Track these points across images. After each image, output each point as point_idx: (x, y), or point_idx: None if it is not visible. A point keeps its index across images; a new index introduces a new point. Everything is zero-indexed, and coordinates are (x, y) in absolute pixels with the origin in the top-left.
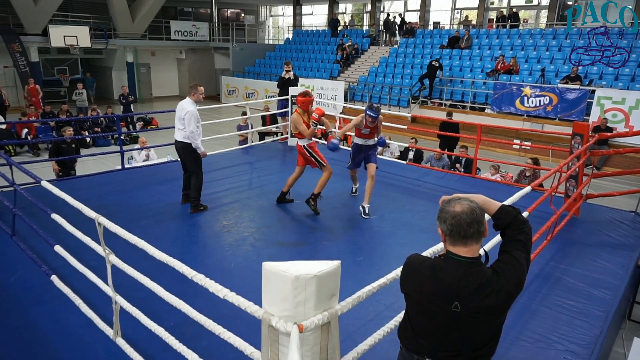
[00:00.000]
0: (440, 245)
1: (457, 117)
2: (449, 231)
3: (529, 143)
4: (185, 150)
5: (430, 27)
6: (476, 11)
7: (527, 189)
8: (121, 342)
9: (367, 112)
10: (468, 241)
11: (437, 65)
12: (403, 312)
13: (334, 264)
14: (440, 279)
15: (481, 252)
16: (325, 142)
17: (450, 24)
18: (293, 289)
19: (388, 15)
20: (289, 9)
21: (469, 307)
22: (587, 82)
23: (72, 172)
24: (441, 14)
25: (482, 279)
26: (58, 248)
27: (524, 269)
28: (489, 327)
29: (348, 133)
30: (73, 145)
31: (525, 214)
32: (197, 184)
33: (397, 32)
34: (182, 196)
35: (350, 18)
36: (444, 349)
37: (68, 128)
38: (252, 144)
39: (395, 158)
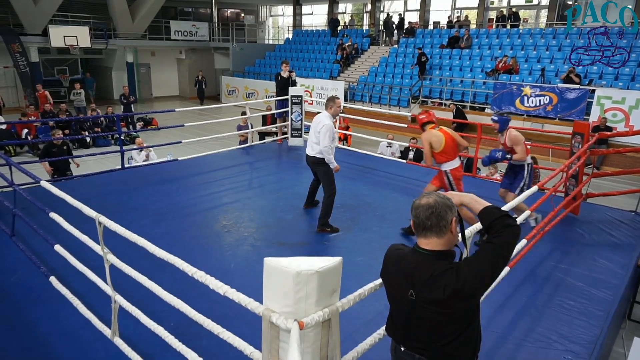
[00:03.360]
0: None
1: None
2: (413, 222)
3: (529, 142)
4: (317, 164)
5: (430, 27)
6: (476, 11)
7: (534, 188)
8: (119, 342)
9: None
10: (427, 233)
11: (420, 53)
12: None
13: (336, 260)
14: (400, 267)
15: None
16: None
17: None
18: (294, 285)
19: (388, 15)
20: (288, 9)
21: (420, 297)
22: (587, 82)
23: (67, 173)
24: (441, 14)
25: (435, 272)
26: (58, 247)
27: (483, 271)
28: (447, 322)
29: (348, 133)
30: (64, 148)
31: (527, 213)
32: (329, 202)
33: (394, 31)
34: (305, 202)
35: (350, 18)
36: (411, 338)
37: (57, 131)
38: (252, 143)
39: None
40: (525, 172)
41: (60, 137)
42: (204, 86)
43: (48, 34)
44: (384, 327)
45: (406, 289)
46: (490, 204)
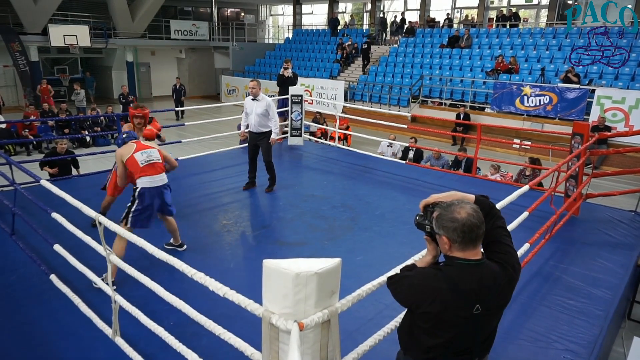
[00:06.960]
0: (419, 254)
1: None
2: (461, 238)
3: (529, 142)
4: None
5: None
6: (476, 10)
7: (525, 187)
8: (120, 342)
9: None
10: (477, 243)
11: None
12: (403, 313)
13: (335, 261)
14: (461, 289)
15: None
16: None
17: (443, 24)
18: (294, 287)
19: (383, 14)
20: (288, 8)
21: (487, 306)
22: (586, 82)
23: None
24: (440, 14)
25: (495, 276)
26: (57, 247)
27: (516, 252)
28: (497, 318)
29: (348, 133)
30: (69, 159)
31: (525, 214)
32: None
33: (396, 30)
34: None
35: (350, 17)
36: (457, 350)
37: (62, 142)
38: None
39: (396, 158)
40: (131, 199)
41: (64, 147)
42: (182, 95)
43: (48, 33)
44: (384, 328)
45: (470, 307)
46: (475, 195)
